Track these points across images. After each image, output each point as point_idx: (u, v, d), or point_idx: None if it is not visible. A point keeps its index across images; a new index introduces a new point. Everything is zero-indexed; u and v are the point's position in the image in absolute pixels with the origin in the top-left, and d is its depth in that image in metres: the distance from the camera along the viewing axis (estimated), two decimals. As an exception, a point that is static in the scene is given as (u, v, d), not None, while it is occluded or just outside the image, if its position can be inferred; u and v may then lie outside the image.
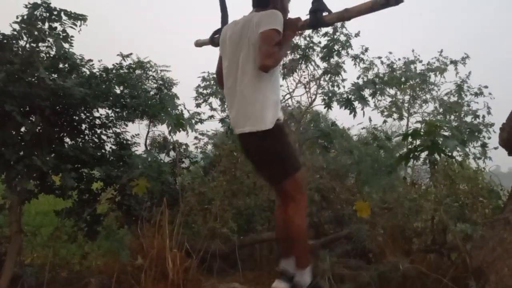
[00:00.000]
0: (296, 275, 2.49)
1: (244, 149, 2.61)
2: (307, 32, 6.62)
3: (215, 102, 7.11)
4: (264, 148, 2.38)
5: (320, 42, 6.61)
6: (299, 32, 6.60)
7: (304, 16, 2.36)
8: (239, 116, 2.43)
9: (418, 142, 5.08)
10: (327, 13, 2.26)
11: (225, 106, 7.06)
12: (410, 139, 5.38)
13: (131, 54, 5.80)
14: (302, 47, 6.65)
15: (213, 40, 2.91)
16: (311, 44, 6.63)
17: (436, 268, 4.72)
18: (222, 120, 7.24)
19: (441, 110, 8.45)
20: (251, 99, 2.34)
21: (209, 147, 7.80)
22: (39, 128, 4.83)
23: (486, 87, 8.42)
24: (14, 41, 4.64)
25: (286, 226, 2.44)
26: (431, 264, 4.89)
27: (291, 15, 2.45)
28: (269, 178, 2.68)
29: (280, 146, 2.39)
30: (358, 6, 2.13)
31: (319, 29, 6.42)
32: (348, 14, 2.19)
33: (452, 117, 8.21)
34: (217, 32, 2.88)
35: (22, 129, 4.69)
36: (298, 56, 6.71)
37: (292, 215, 2.39)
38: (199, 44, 3.14)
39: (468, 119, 8.07)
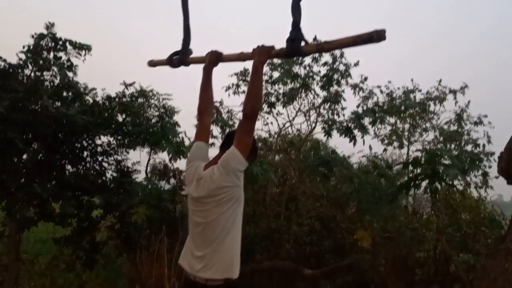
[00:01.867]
0: None
1: None
2: (307, 61, 6.74)
3: (215, 130, 7.15)
4: None
5: (319, 71, 6.71)
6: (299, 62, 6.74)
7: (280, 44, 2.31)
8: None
9: (419, 170, 5.07)
10: (304, 43, 2.23)
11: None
12: (410, 168, 5.38)
13: (134, 83, 5.90)
14: (302, 76, 6.74)
15: (171, 61, 2.83)
16: (311, 73, 6.73)
17: (439, 299, 4.64)
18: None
19: (441, 139, 8.45)
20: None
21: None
22: (40, 155, 4.87)
23: (485, 116, 8.47)
24: (19, 70, 4.76)
25: None
26: (434, 295, 4.81)
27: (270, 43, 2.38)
28: None
29: None
30: (340, 39, 2.10)
31: (298, 58, 6.51)
32: (328, 46, 2.17)
33: (453, 146, 8.20)
34: (177, 53, 2.82)
35: (24, 156, 4.72)
36: (298, 85, 6.80)
37: None
38: (153, 64, 3.01)
39: (469, 148, 8.05)
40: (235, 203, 2.28)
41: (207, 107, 2.65)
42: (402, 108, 8.01)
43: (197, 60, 2.75)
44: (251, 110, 2.26)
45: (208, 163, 2.39)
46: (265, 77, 6.99)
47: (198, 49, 2.86)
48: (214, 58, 2.61)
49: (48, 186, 4.59)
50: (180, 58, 2.80)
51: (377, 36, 1.93)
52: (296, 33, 2.23)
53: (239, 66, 7.26)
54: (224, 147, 2.37)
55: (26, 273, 5.49)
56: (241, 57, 2.52)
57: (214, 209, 2.25)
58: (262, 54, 2.31)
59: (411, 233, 5.44)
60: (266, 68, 6.97)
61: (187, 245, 2.40)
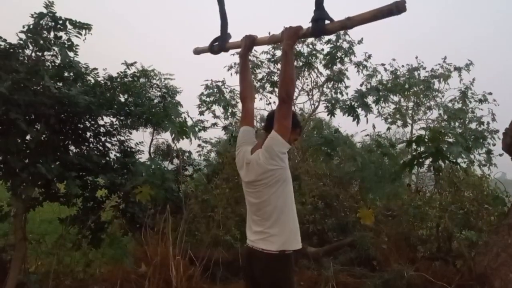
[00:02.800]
0: None
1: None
2: (310, 39, 6.65)
3: (218, 110, 7.14)
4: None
5: (323, 50, 6.63)
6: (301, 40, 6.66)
7: (306, 24, 2.37)
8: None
9: (422, 149, 5.06)
10: (329, 22, 2.27)
11: (228, 113, 7.08)
12: (414, 146, 5.36)
13: (135, 62, 5.85)
14: (305, 54, 6.67)
15: (212, 48, 2.94)
16: (314, 52, 6.65)
17: (442, 276, 4.69)
18: (225, 128, 7.26)
19: (445, 117, 8.42)
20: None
21: (212, 154, 7.82)
22: (44, 136, 4.86)
23: (490, 93, 8.41)
24: (20, 50, 4.70)
25: None
26: (437, 272, 4.86)
27: (294, 23, 2.46)
28: None
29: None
30: (361, 14, 2.13)
31: (321, 37, 6.45)
32: (350, 23, 2.19)
33: (457, 124, 8.17)
34: (217, 40, 2.92)
35: (27, 137, 4.72)
36: (301, 64, 6.74)
37: None
38: (197, 52, 3.16)
39: (473, 126, 8.02)
40: (283, 184, 2.40)
41: (248, 92, 2.79)
42: (406, 86, 7.95)
43: (234, 45, 2.89)
44: (287, 95, 2.37)
45: (254, 147, 2.53)
46: (267, 56, 6.94)
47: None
48: (248, 43, 2.73)
49: (52, 166, 4.59)
50: (220, 44, 2.91)
51: (396, 8, 1.96)
52: (319, 12, 2.27)
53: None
54: (267, 129, 2.49)
55: (34, 252, 5.57)
56: (272, 39, 2.66)
57: (265, 190, 2.40)
58: (291, 36, 2.40)
59: (414, 211, 5.47)
60: (269, 47, 6.91)
61: (247, 221, 2.61)
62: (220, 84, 7.09)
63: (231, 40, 2.92)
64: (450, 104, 8.64)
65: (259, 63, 7.00)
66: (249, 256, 2.53)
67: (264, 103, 7.32)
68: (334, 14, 2.28)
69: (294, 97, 7.26)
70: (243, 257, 2.80)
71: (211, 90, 7.02)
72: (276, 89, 7.06)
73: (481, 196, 5.31)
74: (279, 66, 6.96)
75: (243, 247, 2.93)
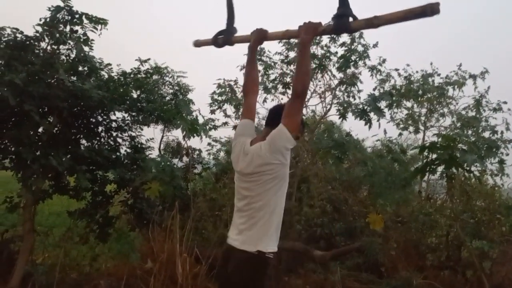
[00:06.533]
0: None
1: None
2: (324, 41, 6.62)
3: (229, 109, 7.12)
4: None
5: (337, 52, 6.59)
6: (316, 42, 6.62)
7: (326, 20, 2.32)
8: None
9: (434, 156, 4.99)
10: (352, 19, 2.19)
11: (239, 113, 7.07)
12: (426, 153, 5.29)
13: (149, 59, 5.87)
14: (319, 56, 6.63)
15: (216, 41, 2.83)
16: (328, 54, 6.61)
17: (450, 285, 4.63)
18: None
19: (458, 124, 8.32)
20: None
21: (222, 154, 7.81)
22: (56, 129, 4.89)
23: (505, 102, 8.29)
24: (36, 43, 4.74)
25: None
26: (445, 280, 4.79)
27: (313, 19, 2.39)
28: None
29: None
30: (390, 14, 2.03)
31: (340, 36, 6.38)
32: (377, 22, 2.09)
33: (470, 132, 8.06)
34: (221, 33, 2.82)
35: (40, 129, 4.75)
36: (314, 66, 6.69)
37: None
38: (199, 44, 3.01)
39: (486, 134, 7.91)
40: (280, 181, 2.30)
41: (252, 86, 2.70)
42: (420, 92, 7.87)
43: (242, 39, 2.76)
44: (302, 89, 2.28)
45: (255, 139, 2.41)
46: (281, 57, 6.91)
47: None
48: (259, 37, 2.63)
49: (63, 159, 4.61)
50: (225, 37, 2.79)
51: (430, 10, 1.87)
52: (344, 9, 2.20)
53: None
54: (270, 124, 2.40)
55: (41, 244, 5.59)
56: (287, 35, 2.55)
57: (260, 185, 2.28)
58: (309, 31, 2.31)
59: (424, 218, 5.41)
60: (282, 48, 6.88)
61: (234, 218, 2.52)
62: (232, 83, 7.08)
63: (237, 34, 2.80)
64: (463, 112, 8.54)
65: (272, 63, 6.97)
66: (227, 254, 2.43)
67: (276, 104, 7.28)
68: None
69: (306, 100, 7.25)
70: (220, 255, 2.68)
71: (223, 89, 7.01)
72: (289, 91, 7.02)
73: (493, 206, 5.23)
74: (291, 67, 6.92)
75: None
